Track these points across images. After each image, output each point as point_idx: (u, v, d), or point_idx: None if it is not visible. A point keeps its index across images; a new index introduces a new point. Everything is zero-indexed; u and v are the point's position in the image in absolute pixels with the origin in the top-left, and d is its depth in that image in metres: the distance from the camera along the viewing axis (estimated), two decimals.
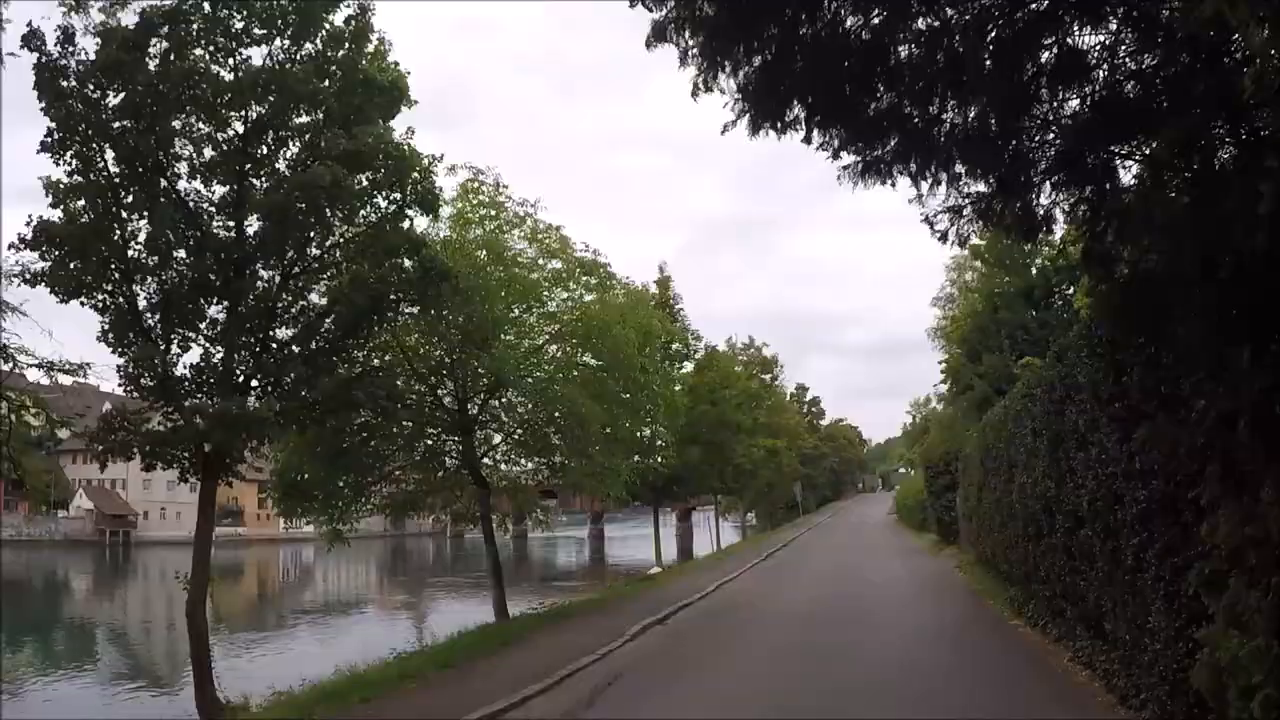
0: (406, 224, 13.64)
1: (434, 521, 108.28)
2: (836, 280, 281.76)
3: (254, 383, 12.51)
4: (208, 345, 12.47)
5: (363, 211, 13.19)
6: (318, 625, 34.01)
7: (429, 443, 18.53)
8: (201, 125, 12.14)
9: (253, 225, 12.39)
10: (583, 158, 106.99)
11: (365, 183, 12.79)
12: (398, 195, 13.19)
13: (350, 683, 11.15)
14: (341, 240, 13.25)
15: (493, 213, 17.53)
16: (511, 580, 43.57)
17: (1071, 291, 24.59)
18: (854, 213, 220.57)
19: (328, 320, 13.05)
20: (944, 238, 6.54)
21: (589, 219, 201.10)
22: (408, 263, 13.33)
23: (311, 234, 12.68)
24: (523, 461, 20.13)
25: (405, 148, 12.94)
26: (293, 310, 12.98)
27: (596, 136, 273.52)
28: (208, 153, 12.31)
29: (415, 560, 74.23)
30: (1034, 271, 28.08)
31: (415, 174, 13.09)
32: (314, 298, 13.36)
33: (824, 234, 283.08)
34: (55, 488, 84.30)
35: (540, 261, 18.11)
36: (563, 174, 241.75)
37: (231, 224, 12.44)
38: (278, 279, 12.82)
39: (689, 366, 33.75)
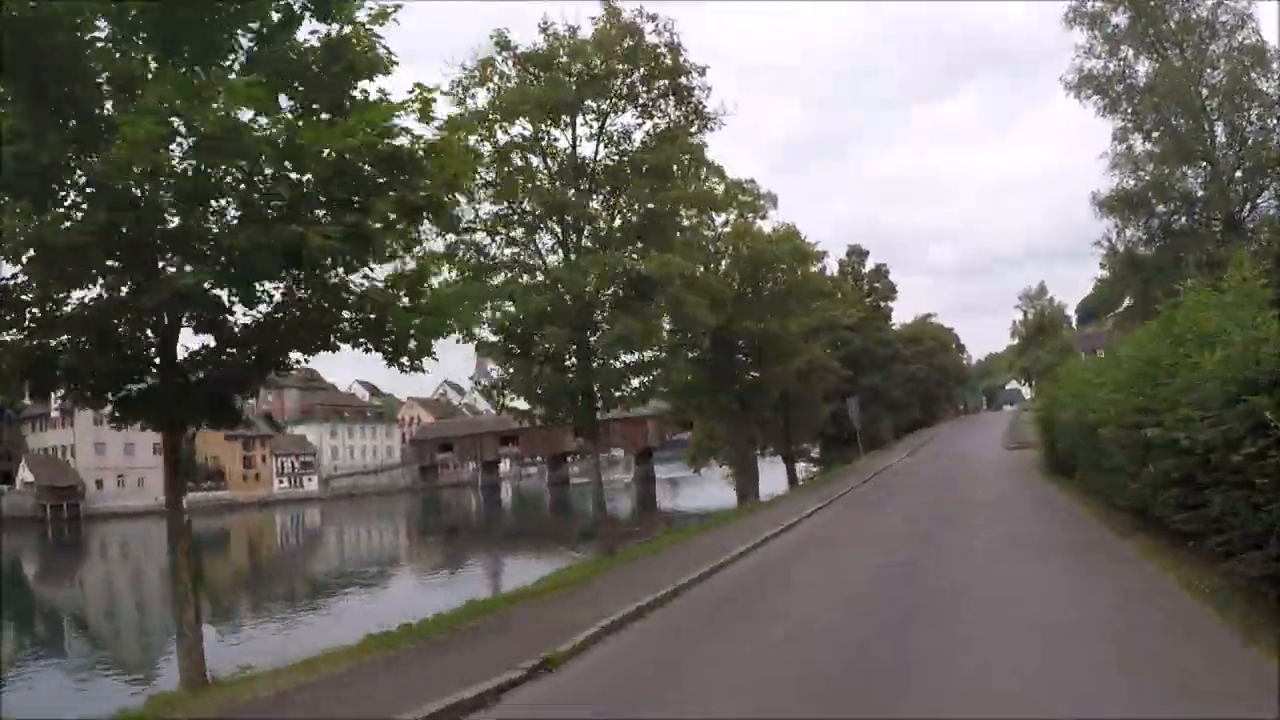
0: None
1: (471, 469, 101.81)
2: (921, 196, 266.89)
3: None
4: None
5: None
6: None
7: None
8: None
9: None
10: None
11: None
12: None
13: None
14: None
15: None
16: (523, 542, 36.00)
17: None
18: (933, 127, 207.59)
19: None
20: None
21: None
22: None
23: None
24: None
25: None
26: None
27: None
28: None
29: (456, 516, 64.35)
30: None
31: None
32: None
33: (906, 150, 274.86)
34: (14, 460, 75.61)
35: None
36: None
37: None
38: None
39: None
